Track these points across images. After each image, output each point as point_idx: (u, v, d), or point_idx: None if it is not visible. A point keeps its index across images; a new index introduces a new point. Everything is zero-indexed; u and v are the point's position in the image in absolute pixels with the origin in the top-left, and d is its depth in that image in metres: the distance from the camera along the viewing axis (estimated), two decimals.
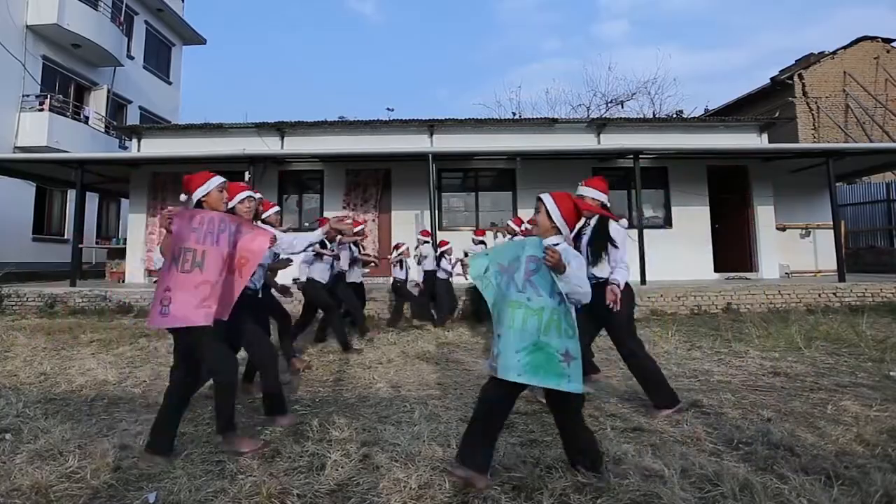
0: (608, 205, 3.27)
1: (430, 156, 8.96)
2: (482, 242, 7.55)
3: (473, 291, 7.75)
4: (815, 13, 60.21)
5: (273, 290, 4.15)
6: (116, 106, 16.50)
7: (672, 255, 9.96)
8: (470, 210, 10.88)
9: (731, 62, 54.97)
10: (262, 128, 11.25)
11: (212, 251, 2.48)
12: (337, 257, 5.64)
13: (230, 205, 3.00)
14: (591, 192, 3.25)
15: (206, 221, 2.52)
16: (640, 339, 3.30)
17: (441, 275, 7.26)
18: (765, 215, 10.49)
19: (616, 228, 3.17)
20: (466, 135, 11.20)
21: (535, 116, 18.40)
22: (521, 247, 2.14)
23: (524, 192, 10.43)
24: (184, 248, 2.45)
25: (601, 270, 3.14)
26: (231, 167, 9.62)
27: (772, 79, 16.16)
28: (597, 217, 3.21)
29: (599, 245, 3.13)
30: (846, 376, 3.87)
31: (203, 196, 2.66)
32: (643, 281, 8.62)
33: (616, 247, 3.11)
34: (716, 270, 10.29)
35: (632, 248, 8.65)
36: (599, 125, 11.39)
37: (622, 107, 23.57)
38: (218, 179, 2.71)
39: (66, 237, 14.07)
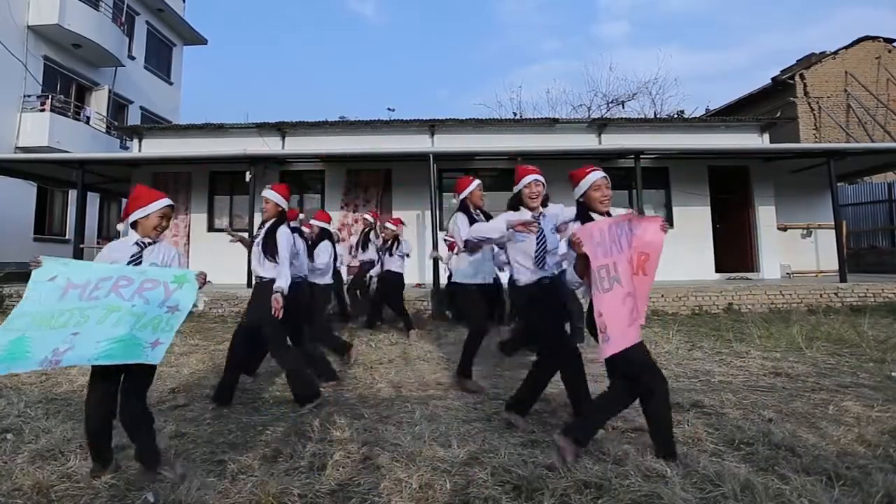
0: (285, 209, 3.58)
1: (431, 156, 8.96)
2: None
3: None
4: (814, 13, 60.22)
5: None
6: (117, 106, 16.52)
7: (673, 255, 9.90)
8: None
9: (732, 63, 54.99)
10: (262, 128, 11.25)
11: (621, 259, 2.32)
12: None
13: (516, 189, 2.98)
14: (273, 196, 3.54)
15: (606, 230, 2.35)
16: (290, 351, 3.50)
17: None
18: (766, 215, 10.47)
19: (282, 231, 3.45)
20: (467, 135, 11.20)
21: (535, 116, 18.40)
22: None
23: None
24: (597, 266, 2.29)
25: (266, 271, 3.41)
26: (232, 167, 9.65)
27: (773, 79, 16.14)
28: (274, 219, 3.50)
29: (268, 246, 3.40)
30: (848, 377, 3.86)
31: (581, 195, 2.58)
32: None
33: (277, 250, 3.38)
34: (717, 270, 10.27)
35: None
36: (600, 125, 11.38)
37: (623, 107, 23.57)
38: (598, 173, 2.62)
39: (67, 237, 14.10)
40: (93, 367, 2.20)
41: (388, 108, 39.34)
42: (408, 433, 2.72)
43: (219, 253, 10.30)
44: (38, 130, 12.88)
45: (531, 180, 2.97)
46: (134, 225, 2.45)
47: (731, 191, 10.78)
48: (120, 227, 2.56)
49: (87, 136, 14.04)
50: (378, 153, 9.90)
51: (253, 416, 3.16)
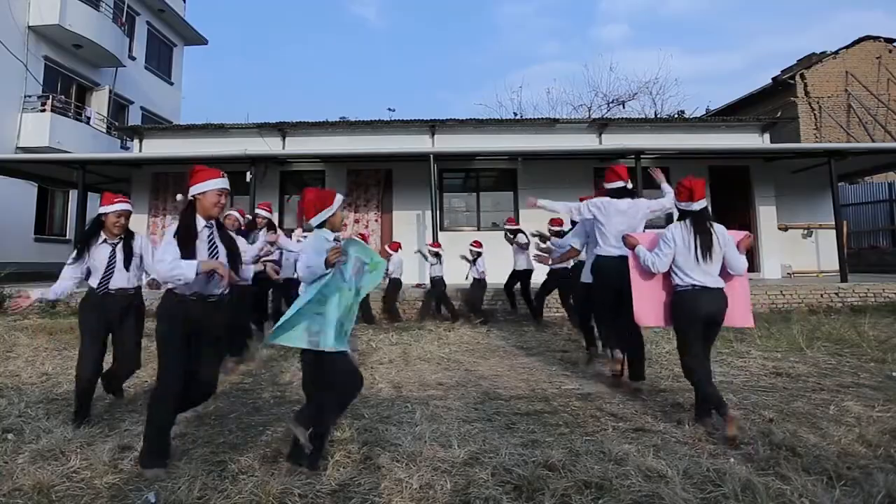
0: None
1: (432, 156, 8.96)
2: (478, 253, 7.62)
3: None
4: (814, 13, 60.09)
5: None
6: (118, 106, 16.52)
7: None
8: (471, 210, 10.88)
9: (731, 64, 54.82)
10: (263, 128, 11.26)
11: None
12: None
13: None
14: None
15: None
16: None
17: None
18: (767, 215, 10.46)
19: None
20: (468, 135, 11.20)
21: (536, 117, 18.39)
22: (357, 247, 2.53)
23: (525, 192, 10.42)
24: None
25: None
26: (233, 167, 9.61)
27: (774, 79, 16.12)
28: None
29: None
30: (848, 377, 3.86)
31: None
32: None
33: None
34: None
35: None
36: (601, 125, 11.38)
37: (623, 107, 23.56)
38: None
39: (67, 237, 14.09)
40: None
41: (389, 109, 39.44)
42: (408, 433, 2.72)
43: None
44: (39, 131, 12.87)
45: None
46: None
47: (731, 191, 10.77)
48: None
49: (87, 137, 14.04)
50: (378, 153, 9.90)
51: (253, 416, 3.16)
